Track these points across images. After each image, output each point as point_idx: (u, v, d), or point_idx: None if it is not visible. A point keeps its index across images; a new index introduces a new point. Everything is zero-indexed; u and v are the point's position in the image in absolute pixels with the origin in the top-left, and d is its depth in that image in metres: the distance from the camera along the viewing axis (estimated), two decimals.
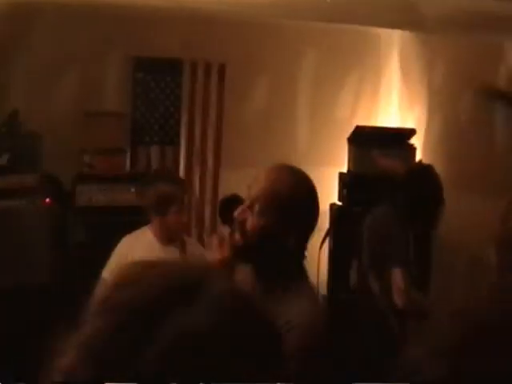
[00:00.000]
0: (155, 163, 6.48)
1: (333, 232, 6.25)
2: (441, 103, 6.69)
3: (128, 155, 6.38)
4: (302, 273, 2.43)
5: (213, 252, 2.42)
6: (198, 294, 0.97)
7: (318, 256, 6.15)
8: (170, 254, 4.09)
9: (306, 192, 2.42)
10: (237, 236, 2.36)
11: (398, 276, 4.32)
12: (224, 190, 6.40)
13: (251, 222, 2.35)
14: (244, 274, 2.38)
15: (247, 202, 2.39)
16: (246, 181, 6.55)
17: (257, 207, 2.34)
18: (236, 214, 2.40)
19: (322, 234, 6.29)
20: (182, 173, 6.53)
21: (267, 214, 2.33)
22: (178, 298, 0.95)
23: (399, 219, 4.50)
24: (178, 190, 4.23)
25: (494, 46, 6.07)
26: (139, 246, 4.17)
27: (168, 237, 4.18)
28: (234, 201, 6.03)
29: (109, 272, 4.14)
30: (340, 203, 6.46)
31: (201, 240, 6.49)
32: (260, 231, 2.34)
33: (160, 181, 4.31)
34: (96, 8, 5.99)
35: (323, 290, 6.33)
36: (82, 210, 5.96)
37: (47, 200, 5.79)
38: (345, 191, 6.39)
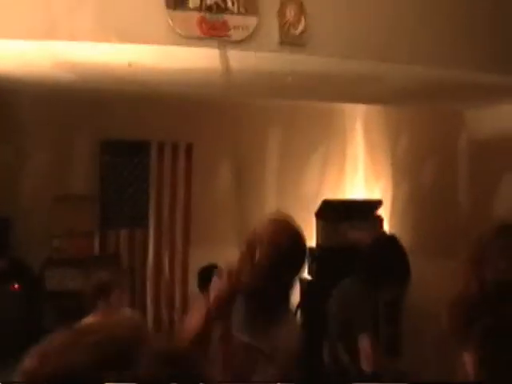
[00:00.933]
0: (124, 246, 6.46)
1: (303, 307, 6.20)
2: (405, 173, 6.75)
3: (97, 238, 6.36)
4: (287, 304, 2.98)
5: (219, 283, 2.83)
6: (134, 356, 1.00)
7: None
8: None
9: (301, 243, 2.92)
10: (244, 274, 2.81)
11: (365, 342, 4.29)
12: (194, 269, 6.38)
13: (258, 262, 2.80)
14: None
15: (246, 247, 2.90)
16: (215, 258, 6.54)
17: (258, 253, 2.81)
18: (242, 252, 2.93)
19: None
20: (151, 253, 6.51)
21: (268, 258, 2.79)
22: (114, 362, 0.98)
23: (364, 289, 4.48)
24: (116, 275, 4.28)
25: (454, 115, 6.16)
26: None
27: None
28: (211, 270, 5.98)
29: None
30: (310, 278, 6.42)
31: (172, 321, 6.44)
32: (263, 271, 2.78)
33: (97, 270, 4.36)
34: (63, 93, 6.07)
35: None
36: (51, 295, 5.91)
37: (15, 286, 5.75)
38: (314, 266, 6.35)
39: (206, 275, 5.65)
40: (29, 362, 1.04)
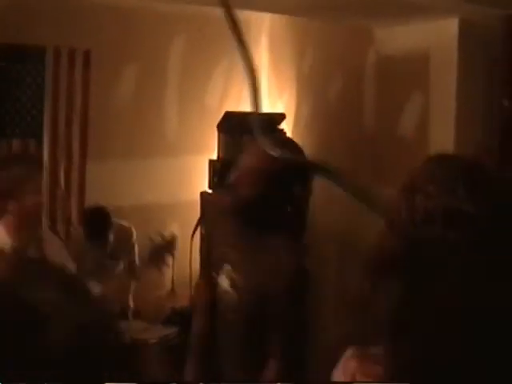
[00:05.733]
0: None
1: (204, 219, 6.14)
2: (310, 88, 6.67)
3: None
4: None
5: None
6: None
7: (190, 244, 6.01)
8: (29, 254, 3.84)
9: None
10: None
11: None
12: (91, 183, 6.20)
13: None
14: None
15: None
16: (113, 173, 6.35)
17: None
18: None
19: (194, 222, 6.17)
20: (45, 166, 6.21)
21: None
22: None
23: None
24: (32, 169, 3.89)
25: (363, 31, 6.07)
26: None
27: (24, 230, 3.86)
28: (99, 213, 5.92)
29: None
30: (210, 191, 6.35)
31: (68, 235, 6.27)
32: None
33: (11, 164, 3.91)
34: None
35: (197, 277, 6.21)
36: None
37: None
38: (215, 179, 6.28)
39: (94, 218, 5.59)
40: None
